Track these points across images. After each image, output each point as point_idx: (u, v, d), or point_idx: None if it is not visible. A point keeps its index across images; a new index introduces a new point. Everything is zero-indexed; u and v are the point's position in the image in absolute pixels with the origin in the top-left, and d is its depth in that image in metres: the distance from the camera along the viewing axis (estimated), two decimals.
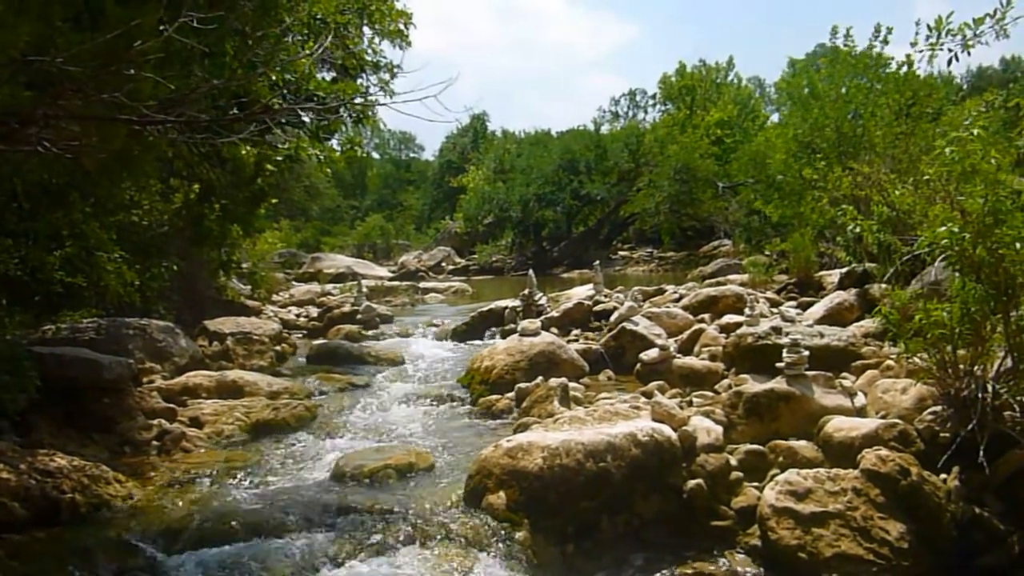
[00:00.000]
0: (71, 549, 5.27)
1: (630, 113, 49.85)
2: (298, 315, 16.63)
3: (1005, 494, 5.73)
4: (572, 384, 8.15)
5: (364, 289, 16.90)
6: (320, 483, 6.45)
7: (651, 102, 49.61)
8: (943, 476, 5.85)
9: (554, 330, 10.92)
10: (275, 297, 18.76)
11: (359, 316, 15.06)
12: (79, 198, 7.06)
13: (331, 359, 11.66)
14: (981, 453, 5.53)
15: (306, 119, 8.42)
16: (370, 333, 14.13)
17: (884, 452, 5.85)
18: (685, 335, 9.77)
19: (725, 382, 7.80)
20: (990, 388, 5.81)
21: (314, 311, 16.88)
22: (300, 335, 14.64)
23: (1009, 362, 5.85)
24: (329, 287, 21.40)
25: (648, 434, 6.08)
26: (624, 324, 9.86)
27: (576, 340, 10.74)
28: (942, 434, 6.02)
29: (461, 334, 13.35)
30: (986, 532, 5.62)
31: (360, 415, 8.57)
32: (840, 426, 6.29)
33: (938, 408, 6.25)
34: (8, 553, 5.02)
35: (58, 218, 7.31)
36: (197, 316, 12.47)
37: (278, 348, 12.23)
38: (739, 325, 8.97)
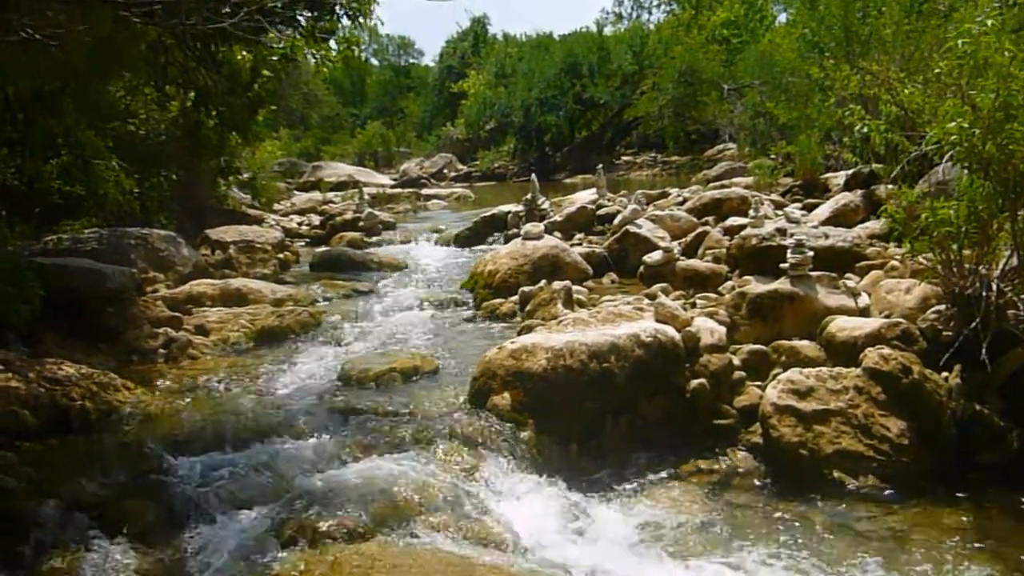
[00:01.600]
0: (83, 455, 5.36)
1: (634, 14, 48.54)
2: (300, 223, 16.58)
3: (1006, 392, 5.77)
4: (576, 287, 8.15)
5: (366, 196, 16.79)
6: (326, 387, 6.52)
7: (655, 2, 48.38)
8: (944, 374, 5.87)
9: (557, 234, 10.87)
10: (276, 206, 18.67)
11: (361, 223, 15.01)
12: (72, 105, 6.95)
13: (334, 266, 11.66)
14: (984, 352, 5.54)
15: (301, 18, 8.20)
16: (372, 240, 14.11)
17: (886, 351, 5.87)
18: (689, 238, 9.72)
19: (729, 284, 7.79)
20: (994, 287, 5.78)
21: (316, 219, 16.83)
22: (303, 243, 14.63)
23: (1015, 261, 5.81)
24: (330, 195, 21.27)
25: (651, 335, 6.09)
26: (628, 227, 9.81)
27: (579, 244, 10.71)
28: (945, 333, 6.03)
29: (464, 240, 13.31)
30: (986, 429, 5.68)
31: (364, 321, 8.62)
32: (843, 326, 6.30)
33: (942, 307, 6.24)
34: (22, 460, 5.10)
35: (53, 126, 7.21)
36: (199, 225, 12.43)
37: (281, 256, 12.23)
38: (743, 227, 8.90)
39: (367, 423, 5.64)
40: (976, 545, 4.82)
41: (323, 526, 4.37)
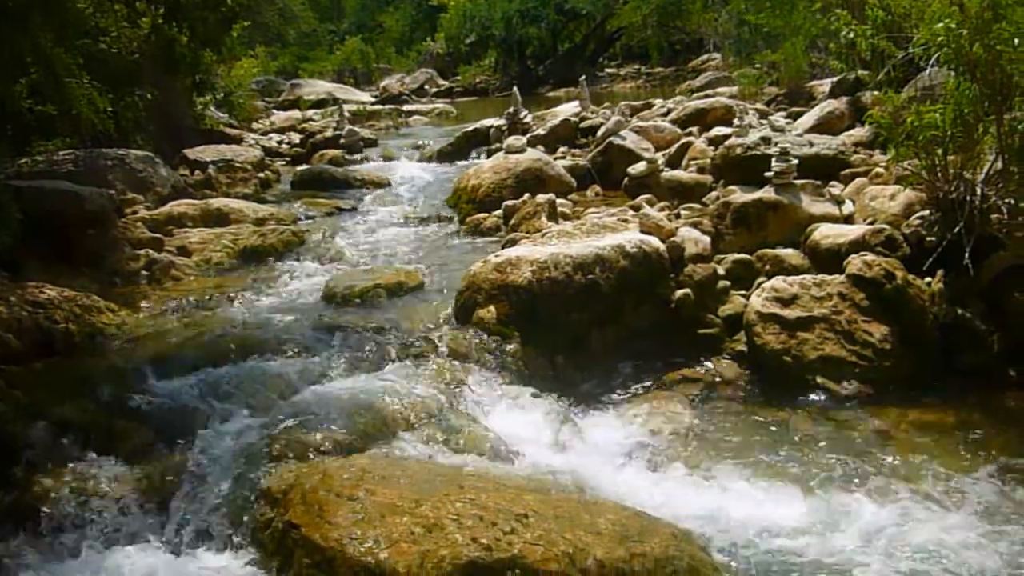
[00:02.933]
0: (69, 377, 5.35)
1: None
2: (280, 142, 16.34)
3: (988, 296, 5.80)
4: (559, 200, 8.10)
5: (346, 113, 16.50)
6: (311, 305, 6.50)
7: None
8: (928, 280, 5.90)
9: (540, 148, 10.74)
10: (255, 125, 18.36)
11: (342, 141, 14.77)
12: (40, 20, 6.72)
13: (316, 184, 11.53)
14: (967, 256, 5.56)
15: None
16: (354, 157, 13.91)
17: (870, 257, 5.88)
18: (673, 149, 9.62)
19: (713, 194, 7.74)
20: (978, 191, 5.77)
21: (296, 137, 16.58)
22: (283, 162, 14.44)
23: (999, 164, 5.79)
24: (310, 113, 20.90)
25: (636, 245, 6.08)
26: (611, 139, 9.70)
27: (563, 157, 10.59)
28: (928, 238, 6.04)
29: (446, 155, 13.16)
30: (968, 333, 5.73)
31: (348, 238, 8.57)
32: (827, 233, 6.30)
33: (926, 213, 6.24)
34: (8, 383, 5.09)
35: (21, 42, 6.98)
36: (176, 146, 12.22)
37: (261, 175, 12.07)
38: (728, 137, 8.80)
39: (353, 339, 5.64)
40: (957, 446, 4.92)
41: (312, 441, 4.41)
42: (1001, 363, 5.65)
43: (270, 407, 4.89)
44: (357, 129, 15.59)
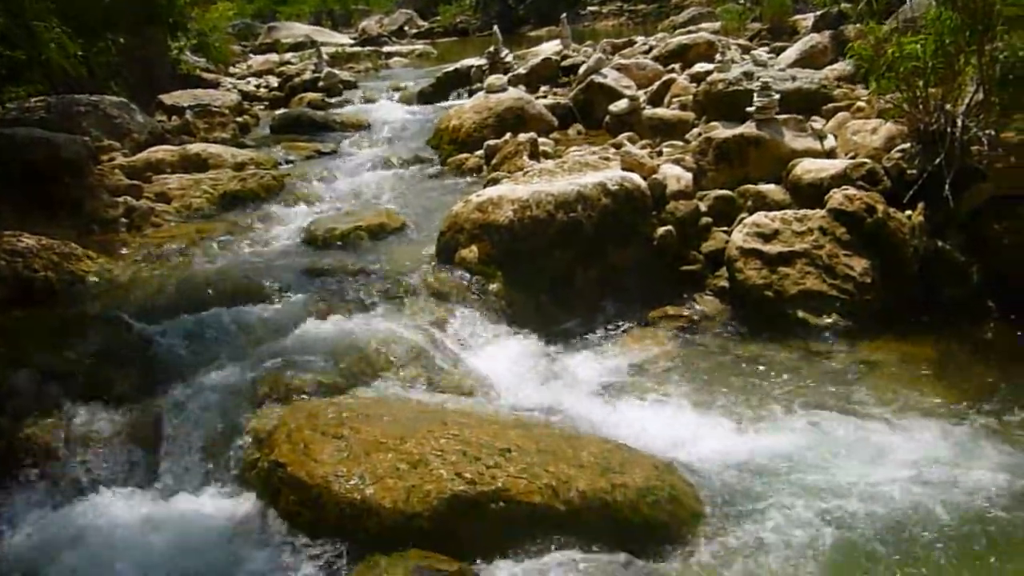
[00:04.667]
0: (51, 326, 5.29)
1: None
2: (258, 86, 16.08)
3: (968, 228, 5.83)
4: (541, 139, 8.04)
5: (324, 56, 16.25)
6: (292, 248, 6.48)
7: None
8: (908, 213, 5.92)
9: (522, 87, 10.62)
10: (233, 69, 18.07)
11: (321, 84, 14.58)
12: None
13: (295, 128, 11.37)
14: (947, 188, 5.57)
15: None
16: (333, 100, 13.73)
17: (851, 191, 5.89)
18: (655, 86, 9.53)
19: (695, 131, 7.70)
20: (959, 123, 5.75)
21: (274, 81, 16.31)
22: (261, 106, 14.22)
23: (980, 96, 5.77)
24: (288, 56, 20.58)
25: (618, 183, 6.06)
26: (593, 77, 9.60)
27: (544, 96, 10.50)
28: (909, 171, 6.04)
29: (427, 96, 13.01)
30: (948, 265, 5.77)
31: (329, 181, 8.49)
32: (809, 168, 6.29)
33: (907, 146, 6.23)
34: None
35: None
36: (152, 91, 12.03)
37: (240, 119, 11.90)
38: (710, 73, 8.73)
39: (335, 282, 5.63)
40: (936, 376, 4.99)
41: (296, 382, 4.43)
42: (981, 295, 5.70)
43: (254, 351, 4.88)
44: (336, 72, 15.38)
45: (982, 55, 5.62)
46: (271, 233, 6.99)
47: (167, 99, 11.75)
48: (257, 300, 5.48)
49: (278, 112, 12.71)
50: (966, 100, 5.85)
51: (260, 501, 3.76)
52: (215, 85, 14.35)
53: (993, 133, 5.71)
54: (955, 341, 5.37)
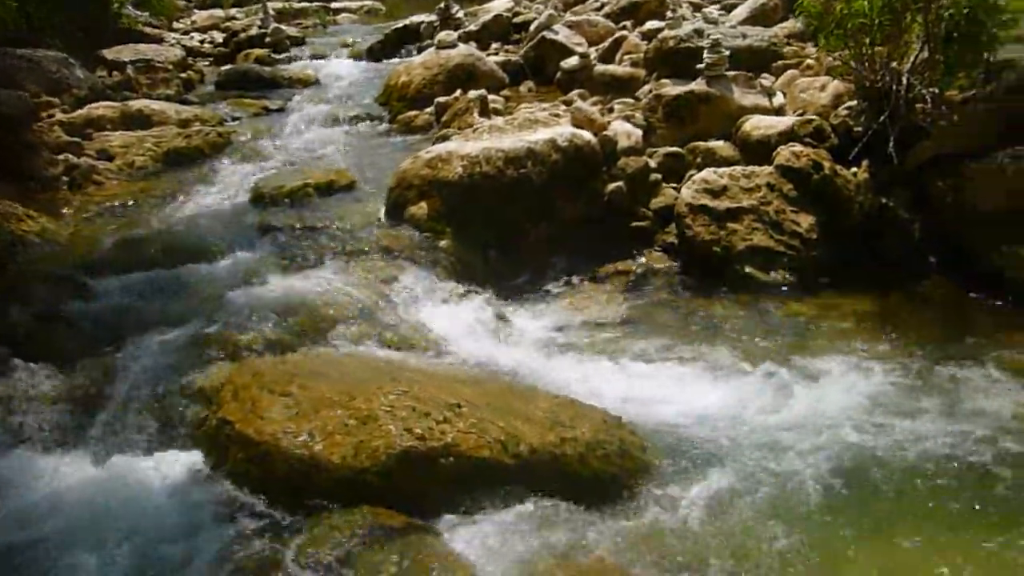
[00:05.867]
0: None
1: None
2: (202, 41, 15.65)
3: (912, 185, 5.92)
4: (492, 96, 7.96)
5: (271, 11, 15.88)
6: (239, 206, 6.37)
7: None
8: (854, 170, 6.01)
9: (473, 44, 10.48)
10: (176, 24, 17.57)
11: (268, 39, 14.23)
12: None
13: (242, 84, 11.11)
14: (891, 145, 5.65)
15: None
16: (281, 56, 13.42)
17: (798, 147, 5.96)
18: (606, 43, 9.46)
19: (646, 88, 7.68)
20: (905, 81, 5.82)
21: (219, 36, 15.87)
22: (207, 62, 13.85)
23: (925, 53, 5.83)
24: (233, 11, 20.07)
25: (568, 139, 6.05)
26: (544, 33, 9.50)
27: (496, 53, 10.38)
28: (855, 128, 6.12)
29: (376, 52, 12.77)
30: (892, 221, 5.88)
31: (276, 138, 8.34)
32: (757, 124, 6.33)
33: (853, 103, 6.30)
34: None
35: None
36: (92, 46, 11.64)
37: (184, 75, 11.57)
38: (661, 31, 8.70)
39: (283, 240, 5.57)
40: (879, 328, 5.11)
41: (244, 340, 4.38)
42: (923, 250, 5.83)
43: (201, 309, 4.81)
44: (283, 27, 15.03)
45: (928, 12, 5.67)
46: (217, 191, 6.86)
47: (108, 54, 11.39)
48: (203, 259, 5.41)
49: (224, 68, 12.41)
50: (912, 58, 5.91)
51: (208, 459, 3.73)
52: (158, 40, 13.93)
53: (937, 91, 5.79)
54: (897, 295, 5.50)
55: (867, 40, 5.96)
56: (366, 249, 5.43)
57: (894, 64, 5.96)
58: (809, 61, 7.31)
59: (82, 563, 3.28)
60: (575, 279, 5.80)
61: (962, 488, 3.65)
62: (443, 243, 5.55)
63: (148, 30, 14.55)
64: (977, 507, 3.55)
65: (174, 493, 3.62)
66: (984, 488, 3.65)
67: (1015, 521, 3.46)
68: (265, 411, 3.60)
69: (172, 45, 13.79)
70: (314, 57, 13.39)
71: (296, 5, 21.61)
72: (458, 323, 4.92)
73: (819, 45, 6.48)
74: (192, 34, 16.42)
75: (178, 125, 8.50)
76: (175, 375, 4.22)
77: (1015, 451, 3.87)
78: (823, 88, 6.64)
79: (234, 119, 9.31)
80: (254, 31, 14.90)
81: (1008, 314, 5.21)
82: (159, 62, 11.36)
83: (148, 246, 5.64)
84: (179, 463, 3.79)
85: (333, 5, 22.01)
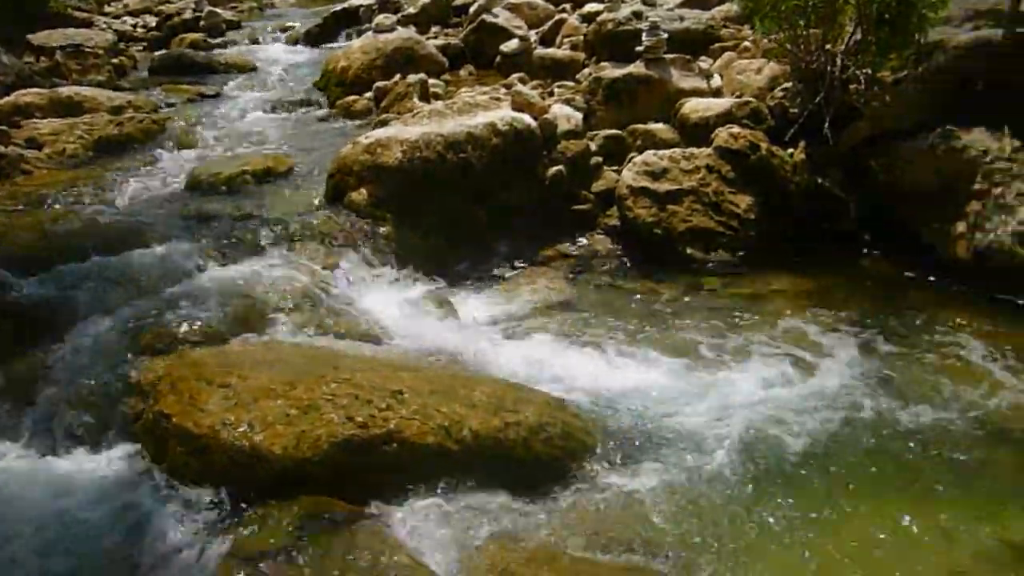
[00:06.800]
0: None
1: None
2: (135, 25, 15.27)
3: (847, 164, 6.04)
4: (432, 80, 7.91)
5: None
6: (175, 194, 6.24)
7: None
8: (791, 150, 6.10)
9: (412, 27, 10.40)
10: (107, 8, 17.12)
11: (202, 23, 13.97)
12: None
13: (176, 69, 10.89)
14: (826, 126, 5.74)
15: None
16: (216, 41, 13.19)
17: (736, 129, 6.02)
18: (546, 26, 9.46)
19: (586, 71, 7.70)
20: (839, 62, 5.91)
21: (152, 20, 15.53)
22: (139, 47, 13.54)
23: (858, 35, 5.93)
24: None
25: (508, 123, 6.04)
26: (484, 16, 9.45)
27: (435, 36, 10.31)
28: (791, 110, 6.21)
29: (315, 37, 12.61)
30: (828, 201, 6.00)
31: (213, 125, 8.19)
32: (696, 107, 6.39)
33: (789, 85, 6.39)
34: None
35: None
36: (19, 31, 11.30)
37: (115, 61, 11.29)
38: (601, 14, 8.71)
39: (220, 228, 5.45)
40: (817, 306, 5.21)
41: (181, 331, 4.28)
42: (859, 228, 5.96)
43: (137, 301, 4.68)
44: (218, 11, 14.77)
45: None
46: (152, 179, 6.70)
47: (35, 39, 11.06)
48: (138, 248, 5.24)
49: (157, 53, 12.14)
50: (845, 40, 6.02)
51: (147, 454, 3.66)
52: (88, 24, 13.57)
53: (870, 72, 5.89)
54: (834, 272, 5.61)
55: (802, 23, 6.05)
56: (306, 236, 5.34)
57: (828, 46, 6.05)
58: (746, 44, 7.38)
59: (18, 560, 3.22)
60: (518, 263, 5.81)
61: (890, 460, 3.75)
62: (384, 229, 5.50)
63: (78, 14, 14.15)
64: (905, 477, 3.65)
65: (112, 489, 3.55)
66: (913, 459, 3.76)
67: (933, 490, 3.58)
68: (204, 403, 3.54)
69: (103, 29, 13.44)
70: (251, 42, 13.21)
71: None
72: (400, 309, 4.88)
73: (755, 28, 6.54)
74: (124, 18, 16.01)
75: (110, 112, 8.30)
76: (110, 369, 4.11)
77: (940, 422, 3.99)
78: (760, 70, 6.71)
79: (168, 105, 9.11)
80: (188, 15, 14.62)
81: (940, 289, 5.35)
82: (89, 47, 11.05)
83: (80, 236, 5.46)
84: (117, 458, 3.72)
85: None
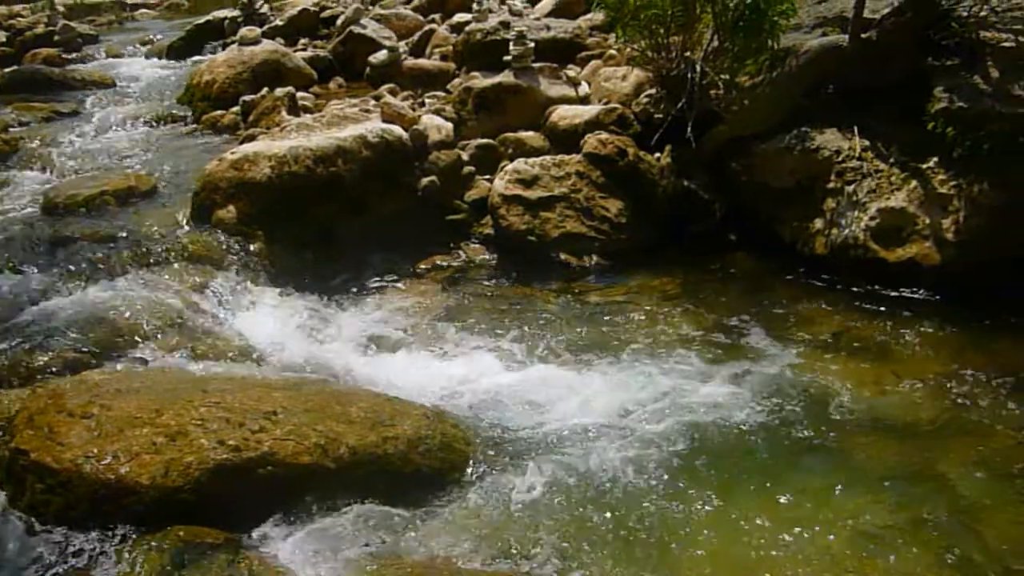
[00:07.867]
0: None
1: None
2: None
3: (711, 167, 6.24)
4: (301, 93, 7.77)
5: (59, 8, 14.92)
6: (29, 217, 5.94)
7: None
8: (657, 155, 6.26)
9: (280, 39, 10.20)
10: None
11: (57, 38, 13.35)
12: None
13: (29, 87, 10.35)
14: (689, 130, 5.92)
15: None
16: (72, 56, 12.63)
17: (604, 135, 6.15)
18: (416, 36, 9.44)
19: (457, 81, 7.72)
20: (698, 68, 6.10)
21: (2, 36, 14.80)
22: None
23: (716, 42, 6.13)
24: (17, 8, 18.71)
25: (378, 135, 6.00)
26: (352, 28, 9.36)
27: (304, 49, 10.14)
28: (656, 115, 6.37)
29: (178, 51, 12.21)
30: (695, 203, 6.19)
31: (70, 144, 7.81)
32: (564, 114, 6.49)
33: (653, 91, 6.56)
34: None
35: None
36: None
37: None
38: (469, 24, 8.76)
39: (79, 251, 5.22)
40: (685, 305, 5.35)
41: (39, 362, 4.11)
42: (723, 228, 6.16)
43: None
44: (73, 25, 14.15)
45: (715, 3, 5.96)
46: (4, 202, 6.37)
47: None
48: None
49: (7, 70, 11.54)
50: (704, 47, 6.21)
51: (4, 494, 3.46)
52: None
53: (728, 78, 6.11)
54: (702, 272, 5.79)
55: (662, 30, 6.23)
56: (171, 257, 5.17)
57: (688, 53, 6.24)
58: (611, 51, 7.54)
59: None
60: (394, 275, 5.77)
61: (755, 450, 3.89)
62: (255, 246, 5.37)
63: None
64: (769, 465, 3.78)
65: None
66: (775, 447, 3.90)
67: (796, 477, 3.73)
68: (64, 436, 3.37)
69: None
70: (110, 56, 12.68)
71: (89, 1, 20.40)
72: (274, 328, 4.78)
73: (618, 36, 6.70)
74: None
75: None
76: None
77: (800, 412, 4.15)
78: (625, 77, 6.87)
79: (21, 124, 8.66)
80: (41, 29, 13.96)
81: (801, 284, 5.57)
82: None
83: None
84: None
85: (130, 0, 20.92)
